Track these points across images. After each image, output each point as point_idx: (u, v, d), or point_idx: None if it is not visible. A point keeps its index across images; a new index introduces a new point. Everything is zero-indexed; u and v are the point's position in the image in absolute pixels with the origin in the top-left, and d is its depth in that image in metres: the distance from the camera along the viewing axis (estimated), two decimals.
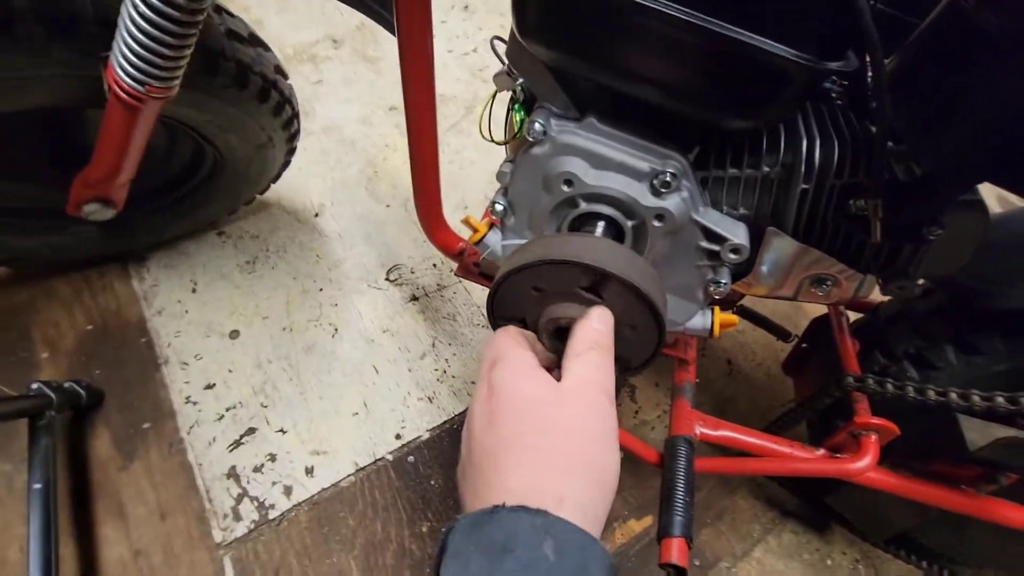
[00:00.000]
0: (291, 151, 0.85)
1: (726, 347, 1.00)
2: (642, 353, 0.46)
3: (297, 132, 0.82)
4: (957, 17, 0.39)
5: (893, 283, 0.51)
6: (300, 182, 1.05)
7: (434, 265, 1.00)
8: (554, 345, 0.46)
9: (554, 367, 0.37)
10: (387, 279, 0.97)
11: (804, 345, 0.75)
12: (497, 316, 0.45)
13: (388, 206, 1.06)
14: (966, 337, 0.55)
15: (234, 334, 0.88)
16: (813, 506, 0.81)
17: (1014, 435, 0.47)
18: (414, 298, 0.96)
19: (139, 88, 0.50)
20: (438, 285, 0.98)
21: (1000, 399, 0.50)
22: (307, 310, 0.92)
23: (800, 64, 0.38)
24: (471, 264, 0.71)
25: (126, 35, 0.47)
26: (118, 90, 0.50)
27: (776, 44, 0.38)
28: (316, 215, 1.03)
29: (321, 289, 0.94)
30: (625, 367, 0.46)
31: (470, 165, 1.13)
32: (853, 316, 0.71)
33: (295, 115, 0.78)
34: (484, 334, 0.94)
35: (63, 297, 0.87)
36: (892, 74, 0.43)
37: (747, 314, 0.80)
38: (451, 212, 1.07)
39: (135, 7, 0.45)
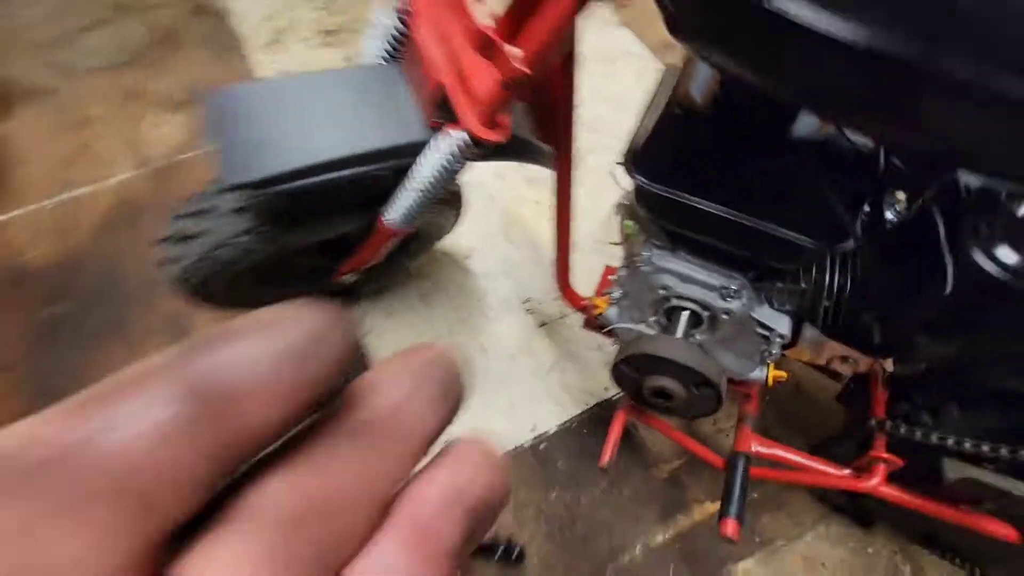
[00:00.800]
0: (457, 222, 1.18)
1: (797, 372, 1.21)
2: (704, 403, 0.74)
3: (462, 212, 1.14)
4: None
5: (902, 364, 0.72)
6: (455, 232, 1.38)
7: (556, 298, 1.29)
8: (656, 401, 0.76)
9: None
10: (524, 310, 1.29)
11: (852, 385, 0.96)
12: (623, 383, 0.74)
13: (520, 248, 1.37)
14: (965, 399, 0.75)
15: None
16: (858, 506, 1.02)
17: (978, 476, 0.68)
18: (543, 324, 1.27)
19: (400, 229, 0.83)
20: (560, 314, 1.28)
21: (984, 448, 0.71)
22: (466, 333, 1.26)
23: (813, 248, 0.62)
24: (593, 319, 1.00)
25: (400, 203, 0.80)
26: (387, 230, 0.84)
27: (797, 235, 0.62)
28: (467, 257, 1.36)
29: (475, 317, 1.28)
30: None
31: (582, 214, 1.40)
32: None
33: (463, 202, 1.10)
34: (597, 356, 1.23)
35: None
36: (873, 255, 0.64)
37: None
38: None
39: (416, 186, 0.76)
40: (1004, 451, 0.66)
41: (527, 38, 0.52)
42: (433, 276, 1.34)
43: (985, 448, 0.70)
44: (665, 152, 0.66)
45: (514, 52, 0.52)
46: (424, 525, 0.12)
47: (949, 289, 0.51)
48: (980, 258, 0.48)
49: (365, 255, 0.95)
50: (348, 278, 1.04)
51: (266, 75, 1.70)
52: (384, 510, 0.13)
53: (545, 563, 1.05)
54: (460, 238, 1.38)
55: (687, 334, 0.78)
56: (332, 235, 0.89)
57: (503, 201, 1.43)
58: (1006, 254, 0.47)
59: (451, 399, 0.15)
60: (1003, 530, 0.75)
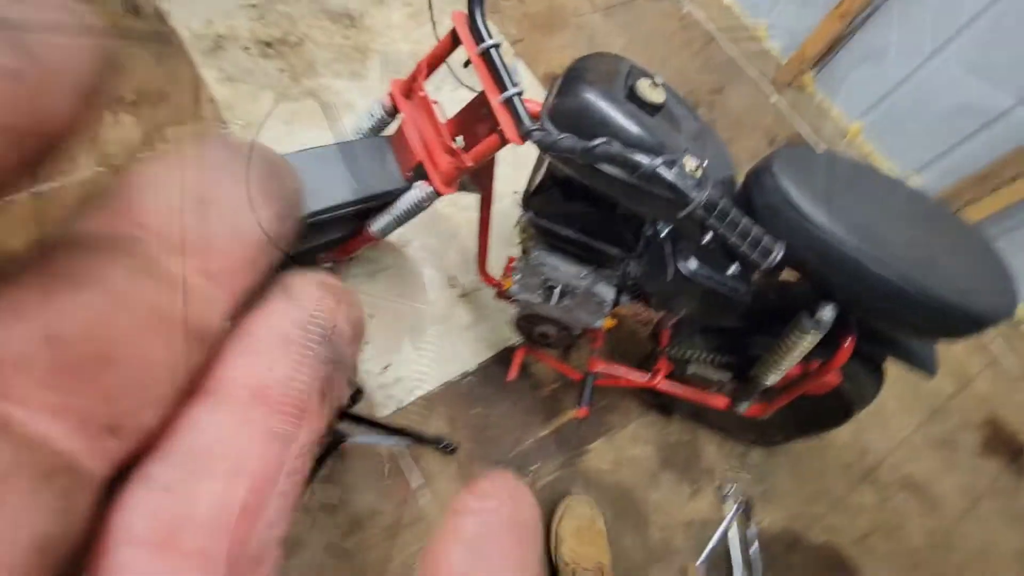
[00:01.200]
0: None
1: (628, 321, 1.83)
2: (568, 339, 1.29)
3: None
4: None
5: (668, 314, 1.32)
6: None
7: (473, 277, 1.78)
8: (541, 340, 1.29)
9: None
10: (448, 285, 1.76)
11: (654, 327, 1.58)
12: (521, 330, 1.26)
13: (443, 238, 1.83)
14: (698, 331, 1.37)
15: (370, 317, 1.67)
16: (662, 402, 1.67)
17: (699, 370, 1.31)
18: (463, 295, 1.76)
19: (379, 237, 1.26)
20: (475, 288, 1.77)
21: (705, 356, 1.34)
22: (406, 302, 1.71)
23: (619, 254, 1.17)
24: (503, 292, 1.50)
25: (382, 222, 1.22)
26: (370, 237, 1.26)
27: (611, 247, 1.16)
28: (404, 245, 1.80)
29: (412, 290, 1.73)
30: (565, 344, 1.29)
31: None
32: None
33: None
34: (502, 316, 1.74)
35: None
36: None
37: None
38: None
39: (396, 214, 1.20)
40: (713, 357, 1.29)
41: (471, 152, 0.98)
42: (379, 260, 1.75)
43: (705, 356, 1.33)
44: (545, 197, 1.17)
45: (465, 156, 0.99)
46: (267, 383, 0.09)
47: (668, 279, 1.08)
48: (680, 265, 1.05)
49: (348, 250, 1.36)
50: (327, 264, 1.44)
51: (212, 80, 1.93)
52: (199, 359, 0.09)
53: (469, 454, 1.57)
54: (401, 230, 1.80)
55: (558, 301, 1.31)
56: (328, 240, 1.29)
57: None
58: (692, 263, 1.05)
59: (281, 198, 0.10)
60: (720, 401, 1.41)
